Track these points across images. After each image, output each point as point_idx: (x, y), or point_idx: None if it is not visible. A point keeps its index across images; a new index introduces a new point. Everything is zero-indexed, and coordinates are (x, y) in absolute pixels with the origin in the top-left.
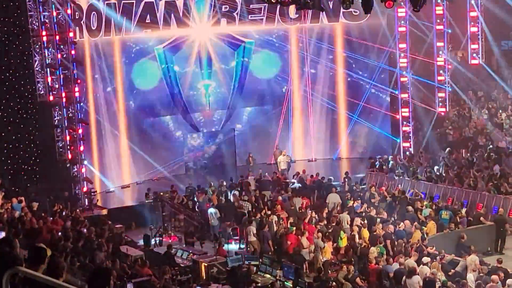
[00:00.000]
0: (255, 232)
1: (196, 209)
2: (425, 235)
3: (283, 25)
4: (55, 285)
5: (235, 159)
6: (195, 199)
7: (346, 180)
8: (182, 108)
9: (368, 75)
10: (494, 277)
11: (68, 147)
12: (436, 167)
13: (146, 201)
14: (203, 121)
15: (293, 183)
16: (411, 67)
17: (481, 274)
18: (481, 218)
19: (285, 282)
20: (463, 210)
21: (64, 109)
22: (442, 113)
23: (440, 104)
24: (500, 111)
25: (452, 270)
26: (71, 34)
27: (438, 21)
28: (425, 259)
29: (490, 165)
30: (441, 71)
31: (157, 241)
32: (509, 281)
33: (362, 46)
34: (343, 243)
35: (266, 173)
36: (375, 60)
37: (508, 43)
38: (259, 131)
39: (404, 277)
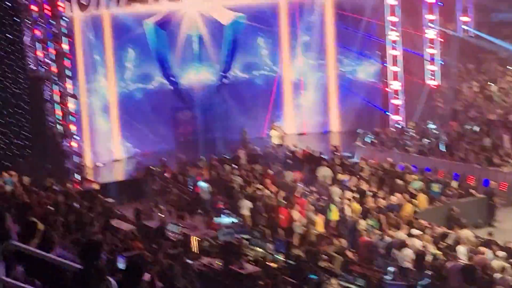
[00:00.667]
0: (248, 206)
1: (187, 184)
2: (416, 208)
3: None
4: (47, 259)
5: (226, 133)
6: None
7: (336, 153)
8: (172, 83)
9: (358, 48)
10: (483, 249)
11: (59, 122)
12: (426, 140)
13: (137, 176)
14: (193, 95)
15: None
16: (402, 40)
17: (471, 247)
18: (472, 191)
19: (276, 256)
20: (454, 183)
21: (55, 84)
22: (434, 87)
23: (431, 77)
24: (490, 83)
25: (442, 243)
26: (61, 9)
27: None
28: (415, 232)
29: (481, 137)
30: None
31: (148, 215)
32: (499, 253)
33: (352, 18)
34: (334, 216)
35: (257, 147)
36: (365, 33)
37: (498, 15)
38: (251, 105)
39: (394, 250)
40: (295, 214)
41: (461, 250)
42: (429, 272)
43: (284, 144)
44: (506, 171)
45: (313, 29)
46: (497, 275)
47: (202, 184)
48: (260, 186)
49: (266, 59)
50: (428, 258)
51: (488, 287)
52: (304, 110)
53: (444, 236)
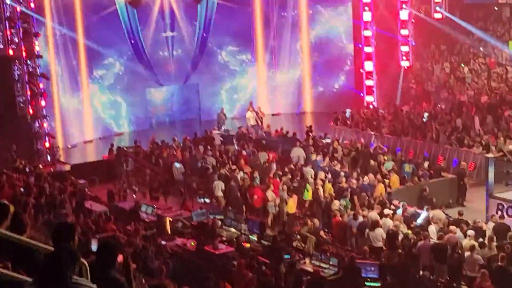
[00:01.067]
0: (223, 187)
1: (161, 164)
2: (389, 188)
3: None
4: (18, 241)
5: (199, 113)
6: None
7: (309, 134)
8: (144, 62)
9: (331, 28)
10: (452, 227)
11: (29, 102)
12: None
13: (110, 157)
14: (166, 75)
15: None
16: (375, 21)
17: (442, 226)
18: (442, 173)
19: (250, 236)
20: (426, 163)
21: (24, 64)
22: (406, 67)
23: (404, 58)
24: (462, 65)
25: (414, 223)
26: None
27: None
28: (387, 211)
29: (452, 118)
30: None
31: (121, 197)
32: (469, 232)
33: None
34: (309, 196)
35: (231, 128)
36: (339, 13)
37: None
38: (224, 85)
39: (367, 230)
40: (269, 195)
41: (432, 229)
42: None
43: (258, 125)
44: (476, 152)
45: (287, 9)
46: (467, 254)
47: (176, 164)
48: (234, 167)
49: (240, 39)
50: (400, 237)
51: (458, 265)
52: (278, 90)
53: (415, 216)
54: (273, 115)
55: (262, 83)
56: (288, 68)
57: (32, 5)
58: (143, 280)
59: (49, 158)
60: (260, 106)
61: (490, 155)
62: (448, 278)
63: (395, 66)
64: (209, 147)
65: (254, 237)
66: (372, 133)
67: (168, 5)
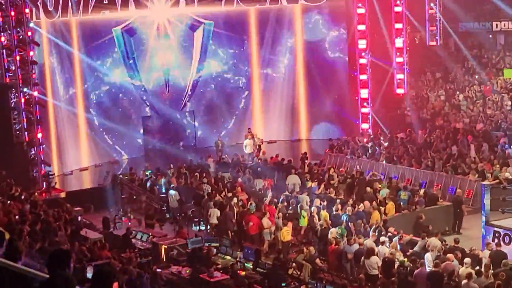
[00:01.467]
0: (218, 214)
1: (156, 191)
2: (384, 216)
3: (242, 7)
4: (14, 268)
5: (194, 141)
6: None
7: (305, 160)
8: (140, 90)
9: (327, 57)
10: (449, 255)
11: (25, 130)
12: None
13: (105, 184)
14: (161, 103)
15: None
16: (370, 49)
17: (438, 254)
18: (439, 201)
19: (245, 264)
20: (422, 191)
21: (21, 91)
22: (401, 95)
23: (399, 86)
24: (458, 92)
25: (410, 250)
26: (27, 15)
27: (398, 2)
28: (383, 239)
29: (448, 146)
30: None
31: (116, 224)
32: (466, 259)
33: (320, 28)
34: (304, 223)
35: (226, 155)
36: (333, 41)
37: (466, 25)
38: (220, 113)
39: (363, 258)
40: (265, 222)
41: (428, 257)
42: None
43: (254, 152)
44: (472, 179)
45: (281, 38)
46: (464, 282)
47: (171, 191)
48: (230, 194)
49: (235, 67)
50: (396, 265)
51: None
52: (274, 118)
53: (411, 243)
54: (268, 142)
55: (258, 110)
56: (283, 96)
57: (30, 33)
58: None
59: (44, 185)
60: (257, 133)
61: (485, 182)
62: None
63: (390, 93)
64: (204, 175)
65: (249, 265)
66: (368, 160)
67: (164, 32)
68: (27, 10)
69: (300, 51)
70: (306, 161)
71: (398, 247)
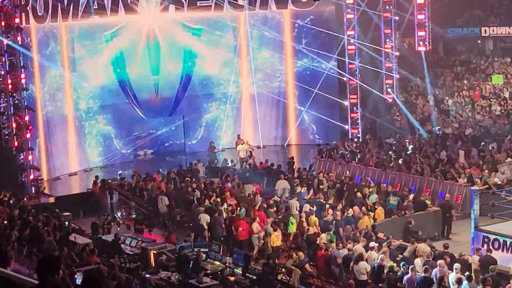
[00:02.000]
0: (208, 220)
1: (145, 196)
2: (374, 221)
3: (231, 12)
4: (3, 274)
5: (184, 146)
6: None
7: (292, 165)
8: (130, 95)
9: (316, 62)
10: (440, 261)
11: (15, 135)
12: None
13: (94, 189)
14: (151, 108)
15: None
16: (359, 54)
17: (428, 259)
18: (428, 207)
19: (235, 269)
20: (411, 196)
21: (10, 96)
22: (390, 100)
23: (388, 91)
24: (447, 97)
25: (400, 256)
26: (17, 20)
27: (387, 7)
28: (372, 244)
29: (437, 151)
30: (387, 59)
31: (105, 229)
32: (455, 265)
33: (310, 33)
34: (293, 228)
35: (216, 160)
36: (323, 47)
37: (455, 30)
38: (210, 118)
39: (352, 263)
40: (255, 227)
41: (418, 262)
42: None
43: (244, 158)
44: (461, 184)
45: (273, 43)
46: (454, 287)
47: (160, 197)
48: (218, 199)
49: (225, 73)
50: (385, 270)
51: None
52: (263, 123)
53: (401, 249)
54: (257, 147)
55: (247, 116)
56: (273, 100)
57: (19, 38)
58: None
59: (33, 190)
60: (248, 140)
61: (475, 187)
62: None
63: (379, 99)
64: (194, 180)
65: (239, 270)
66: (357, 165)
67: (154, 38)
68: (17, 20)
69: (289, 56)
70: (293, 165)
71: (388, 252)
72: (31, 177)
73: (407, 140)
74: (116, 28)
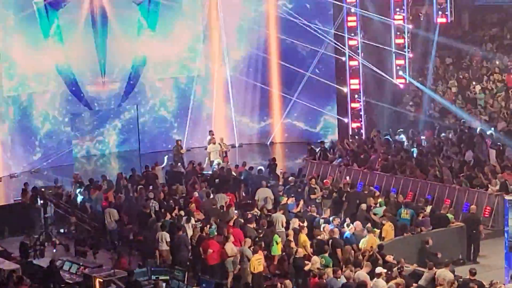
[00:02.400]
0: (168, 239)
1: (88, 210)
2: (381, 240)
3: None
4: None
5: (138, 145)
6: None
7: (274, 168)
8: (69, 79)
9: (307, 39)
10: None
11: None
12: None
13: (24, 200)
14: (95, 96)
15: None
16: (362, 27)
17: None
18: (450, 223)
19: None
20: (428, 208)
21: None
22: (401, 85)
23: (399, 73)
24: (474, 82)
25: (414, 284)
26: None
27: None
28: (379, 270)
29: (461, 151)
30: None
31: (38, 251)
32: None
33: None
34: (278, 250)
35: (179, 163)
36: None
37: None
38: (172, 111)
39: None
40: (229, 248)
41: None
42: None
43: (217, 161)
44: (491, 192)
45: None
46: None
47: (108, 209)
48: (183, 213)
49: (190, 57)
50: None
51: None
52: (241, 117)
53: (415, 275)
54: (232, 146)
55: (221, 109)
56: (253, 89)
57: None
58: None
59: None
60: (223, 137)
61: (509, 197)
62: None
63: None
64: (151, 188)
65: None
66: (359, 168)
67: (99, 4)
68: None
69: (273, 31)
70: (273, 166)
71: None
72: None
73: (423, 137)
74: None
